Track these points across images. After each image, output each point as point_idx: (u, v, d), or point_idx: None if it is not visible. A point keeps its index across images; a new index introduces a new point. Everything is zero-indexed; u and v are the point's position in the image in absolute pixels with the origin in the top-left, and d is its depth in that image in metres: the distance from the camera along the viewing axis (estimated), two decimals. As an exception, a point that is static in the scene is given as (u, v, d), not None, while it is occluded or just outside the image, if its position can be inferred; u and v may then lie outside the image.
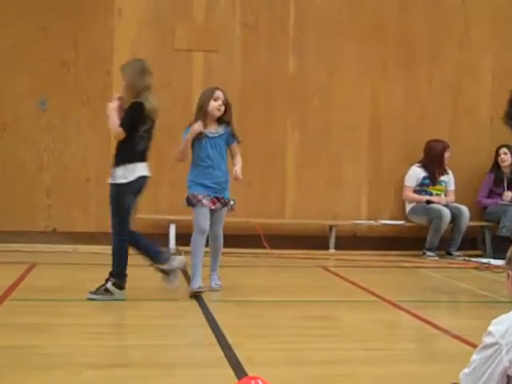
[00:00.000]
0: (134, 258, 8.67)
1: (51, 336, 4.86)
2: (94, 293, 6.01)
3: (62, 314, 5.55)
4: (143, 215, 9.26)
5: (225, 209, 6.50)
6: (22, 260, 7.69)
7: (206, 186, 6.33)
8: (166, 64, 9.40)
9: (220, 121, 6.37)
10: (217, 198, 6.38)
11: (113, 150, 9.50)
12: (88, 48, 9.30)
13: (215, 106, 6.28)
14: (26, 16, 9.16)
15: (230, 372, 4.11)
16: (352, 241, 9.72)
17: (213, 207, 6.35)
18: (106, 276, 6.06)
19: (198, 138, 6.31)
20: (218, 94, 6.31)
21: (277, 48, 9.64)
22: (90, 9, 9.30)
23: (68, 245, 9.10)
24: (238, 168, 6.33)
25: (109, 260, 6.17)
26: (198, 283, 6.24)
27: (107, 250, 8.94)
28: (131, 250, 6.21)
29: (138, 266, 8.20)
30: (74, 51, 9.28)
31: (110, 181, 6.17)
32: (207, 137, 6.32)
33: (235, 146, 6.46)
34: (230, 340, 4.81)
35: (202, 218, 6.31)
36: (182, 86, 9.39)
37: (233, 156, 6.48)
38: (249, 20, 9.59)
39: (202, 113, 6.31)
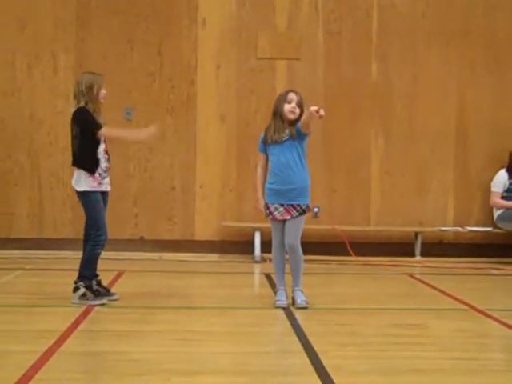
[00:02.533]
0: (223, 266, 8.78)
1: (140, 342, 4.93)
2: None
3: (150, 320, 5.64)
4: (228, 223, 9.40)
5: (302, 217, 6.10)
6: (111, 268, 7.85)
7: (279, 193, 6.08)
8: (250, 72, 9.49)
9: (293, 123, 6.07)
10: (292, 205, 6.08)
11: (198, 159, 9.64)
12: (173, 58, 9.46)
13: (288, 109, 6.06)
14: (114, 29, 9.37)
15: (317, 380, 4.10)
16: (438, 248, 9.59)
17: (288, 217, 6.07)
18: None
19: (270, 143, 6.11)
20: (292, 96, 6.09)
21: (360, 55, 9.61)
22: (175, 20, 9.44)
23: (154, 252, 9.27)
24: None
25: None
26: (281, 300, 6.16)
27: (193, 257, 9.13)
28: None
29: (225, 274, 8.29)
30: (159, 62, 9.45)
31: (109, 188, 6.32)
32: (279, 141, 6.07)
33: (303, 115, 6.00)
34: (316, 348, 4.79)
35: (275, 232, 6.18)
36: (265, 94, 9.43)
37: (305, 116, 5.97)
38: (332, 27, 9.57)
39: (278, 116, 6.13)
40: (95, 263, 6.24)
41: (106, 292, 6.29)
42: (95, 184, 6.15)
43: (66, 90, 9.33)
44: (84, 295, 6.11)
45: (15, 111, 9.37)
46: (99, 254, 6.22)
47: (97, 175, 6.15)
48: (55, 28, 9.37)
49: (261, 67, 9.52)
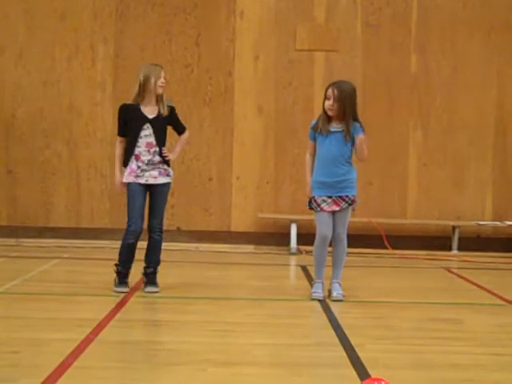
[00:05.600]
0: (259, 258, 8.79)
1: (176, 333, 4.96)
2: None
3: (186, 311, 5.66)
4: (265, 214, 9.39)
5: (350, 208, 6.15)
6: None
7: (327, 185, 6.06)
8: (288, 64, 9.48)
9: (341, 118, 6.02)
10: (341, 197, 6.08)
11: (235, 151, 9.64)
12: (210, 50, 9.46)
13: (326, 106, 6.04)
14: (152, 20, 9.40)
15: (353, 373, 4.10)
16: (475, 242, 9.51)
17: (337, 208, 6.09)
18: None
19: (319, 133, 6.08)
20: (329, 92, 6.01)
21: (398, 46, 9.53)
22: (213, 12, 9.45)
23: (191, 243, 9.30)
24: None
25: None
26: (317, 292, 6.16)
27: (229, 248, 9.15)
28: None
29: (260, 265, 8.30)
30: (197, 53, 9.46)
31: (167, 180, 6.37)
32: (330, 132, 6.05)
33: (360, 137, 6.01)
34: (352, 341, 4.79)
35: (322, 225, 6.10)
36: (303, 86, 9.41)
37: (357, 149, 6.06)
38: (370, 19, 9.51)
39: (323, 113, 6.10)
40: (128, 252, 6.26)
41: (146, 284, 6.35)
42: (131, 177, 6.24)
43: (102, 81, 9.42)
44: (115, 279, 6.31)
45: (54, 102, 9.45)
46: (129, 243, 6.23)
47: (134, 168, 6.22)
48: (94, 20, 9.42)
49: (299, 59, 9.49)
